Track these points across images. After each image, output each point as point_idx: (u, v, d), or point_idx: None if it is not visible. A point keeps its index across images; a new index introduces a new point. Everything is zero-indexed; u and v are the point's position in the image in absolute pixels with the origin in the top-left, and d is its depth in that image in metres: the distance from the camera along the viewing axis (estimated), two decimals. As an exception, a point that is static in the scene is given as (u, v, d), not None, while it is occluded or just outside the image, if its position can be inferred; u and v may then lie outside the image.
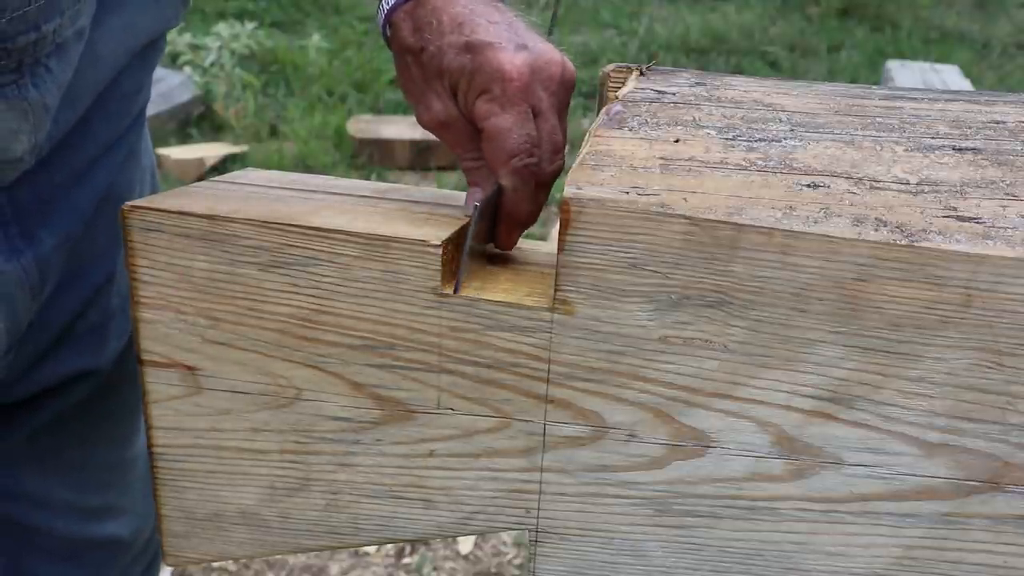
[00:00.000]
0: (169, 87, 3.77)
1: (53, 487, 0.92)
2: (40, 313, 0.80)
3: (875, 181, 0.61)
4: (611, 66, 0.75)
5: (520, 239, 0.75)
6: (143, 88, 0.88)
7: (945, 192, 0.60)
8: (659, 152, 0.63)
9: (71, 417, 0.89)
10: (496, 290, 0.64)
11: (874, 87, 0.74)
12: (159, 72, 3.56)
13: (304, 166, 3.48)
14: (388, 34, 0.74)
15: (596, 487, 0.66)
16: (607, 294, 0.60)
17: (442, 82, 0.69)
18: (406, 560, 1.85)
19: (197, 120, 3.85)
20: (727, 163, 0.62)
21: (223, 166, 3.49)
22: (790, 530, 0.65)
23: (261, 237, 0.63)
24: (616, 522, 0.66)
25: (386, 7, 0.72)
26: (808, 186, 0.60)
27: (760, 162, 0.62)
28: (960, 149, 0.64)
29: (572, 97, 0.76)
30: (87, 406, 0.90)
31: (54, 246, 0.79)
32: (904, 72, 3.91)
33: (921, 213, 0.59)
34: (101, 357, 0.89)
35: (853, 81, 3.78)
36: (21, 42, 0.68)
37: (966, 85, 3.82)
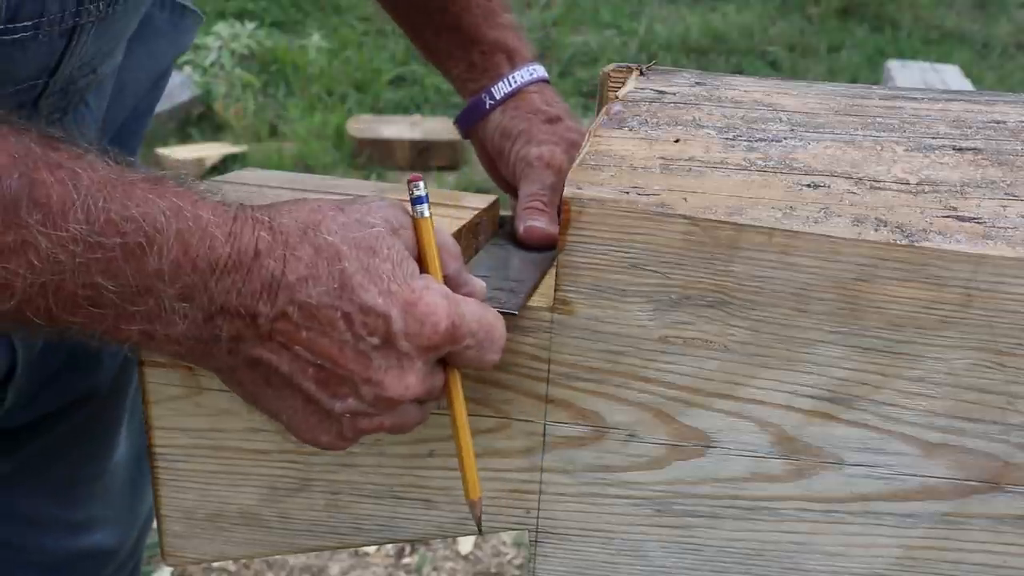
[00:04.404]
0: (169, 87, 3.75)
1: (43, 505, 0.92)
2: None
3: (875, 181, 0.61)
4: (611, 66, 0.75)
5: None
6: (152, 109, 0.89)
7: (945, 192, 0.60)
8: (659, 152, 0.63)
9: (67, 438, 0.89)
10: (496, 290, 0.64)
11: (874, 87, 0.74)
12: (159, 72, 3.55)
13: (304, 166, 3.48)
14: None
15: (596, 487, 0.66)
16: (607, 294, 0.60)
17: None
18: (406, 560, 1.85)
19: (197, 120, 3.85)
20: (727, 163, 0.62)
21: (223, 166, 3.49)
22: (790, 530, 0.65)
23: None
24: (616, 522, 0.66)
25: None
26: (808, 186, 0.60)
27: (760, 162, 0.62)
28: (960, 149, 0.64)
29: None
30: (82, 427, 0.90)
31: None
32: (904, 72, 3.91)
33: (921, 213, 0.59)
34: (99, 377, 0.89)
35: (853, 81, 3.78)
36: (82, 84, 0.69)
37: (966, 85, 3.81)
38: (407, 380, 0.54)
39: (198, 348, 0.54)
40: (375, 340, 0.53)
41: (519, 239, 0.77)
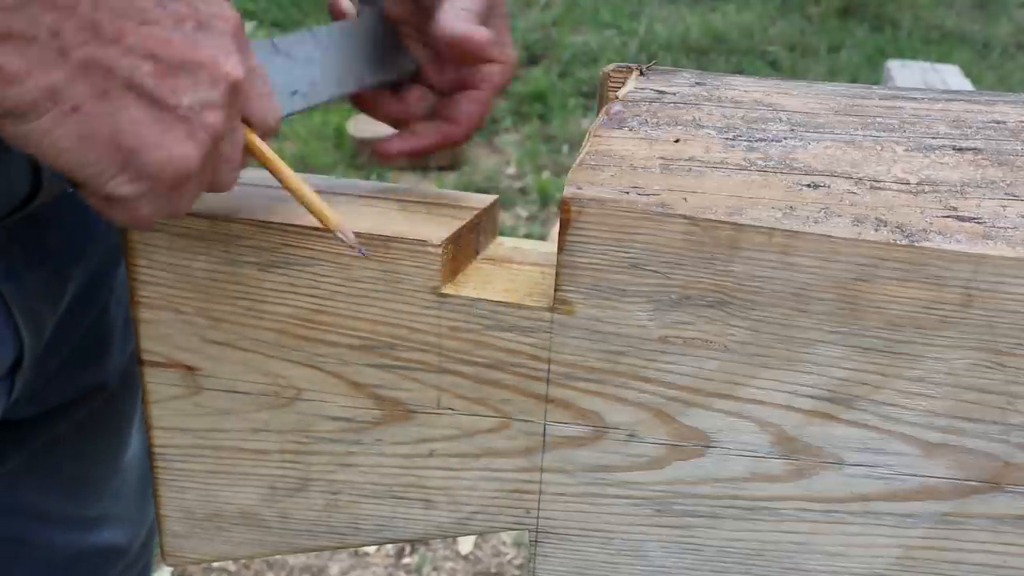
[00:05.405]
0: (169, 87, 3.75)
1: (52, 501, 0.92)
2: (56, 329, 0.80)
3: (875, 181, 0.61)
4: (611, 66, 0.75)
5: (520, 239, 0.76)
6: None
7: (945, 192, 0.60)
8: (659, 152, 0.63)
9: (74, 432, 0.90)
10: (496, 290, 0.64)
11: (874, 87, 0.74)
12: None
13: (304, 166, 3.48)
14: None
15: (596, 487, 0.66)
16: (607, 294, 0.60)
17: None
18: (406, 560, 1.85)
19: (197, 120, 3.85)
20: (727, 163, 0.62)
21: (223, 166, 3.48)
22: (790, 530, 0.65)
23: (261, 237, 0.63)
24: (616, 522, 0.66)
25: None
26: (808, 186, 0.60)
27: (760, 162, 0.62)
28: (960, 149, 0.64)
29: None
30: (90, 421, 0.90)
31: (72, 258, 0.79)
32: (904, 72, 3.91)
33: (921, 213, 0.59)
34: (107, 371, 0.89)
35: (853, 81, 3.78)
36: None
37: (966, 85, 3.82)
38: (232, 59, 0.55)
39: (28, 57, 0.48)
40: (191, 24, 0.53)
41: (442, 43, 0.69)
